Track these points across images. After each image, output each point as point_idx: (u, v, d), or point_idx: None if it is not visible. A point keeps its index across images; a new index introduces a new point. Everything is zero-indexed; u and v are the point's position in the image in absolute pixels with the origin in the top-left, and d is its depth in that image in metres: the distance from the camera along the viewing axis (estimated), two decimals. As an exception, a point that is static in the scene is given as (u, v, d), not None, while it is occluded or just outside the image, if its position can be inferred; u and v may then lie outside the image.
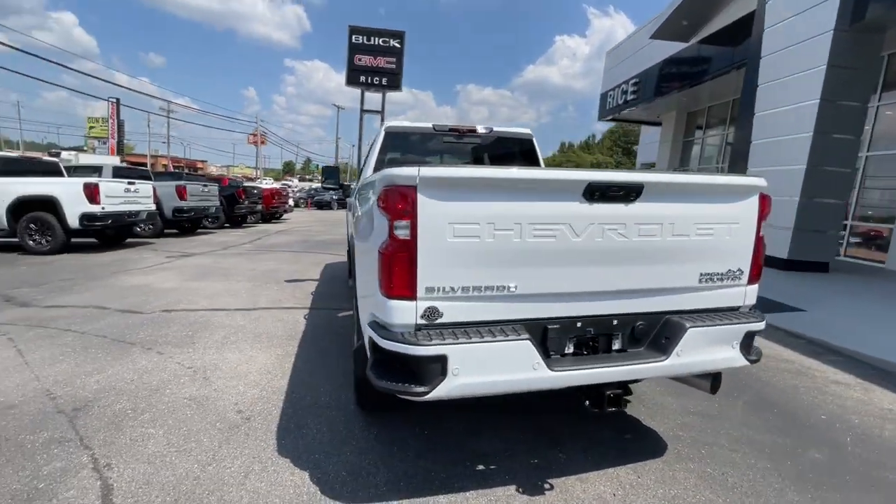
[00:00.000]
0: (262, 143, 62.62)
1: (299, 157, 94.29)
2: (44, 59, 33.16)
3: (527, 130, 4.15)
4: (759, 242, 2.08)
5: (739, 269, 2.07)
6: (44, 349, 3.42)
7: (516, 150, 4.22)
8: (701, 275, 2.00)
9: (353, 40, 23.61)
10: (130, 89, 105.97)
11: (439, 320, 1.72)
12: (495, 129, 4.07)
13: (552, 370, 1.75)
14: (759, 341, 2.16)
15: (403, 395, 1.67)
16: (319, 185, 26.94)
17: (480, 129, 3.93)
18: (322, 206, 30.51)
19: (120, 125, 39.65)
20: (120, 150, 37.26)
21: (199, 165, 60.35)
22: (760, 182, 2.01)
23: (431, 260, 1.66)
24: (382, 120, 25.43)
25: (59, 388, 2.80)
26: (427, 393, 1.65)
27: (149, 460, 2.11)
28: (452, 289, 1.71)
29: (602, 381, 1.83)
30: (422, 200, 1.62)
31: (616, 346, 1.98)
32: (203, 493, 1.91)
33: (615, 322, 1.95)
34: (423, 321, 1.70)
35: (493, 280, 1.74)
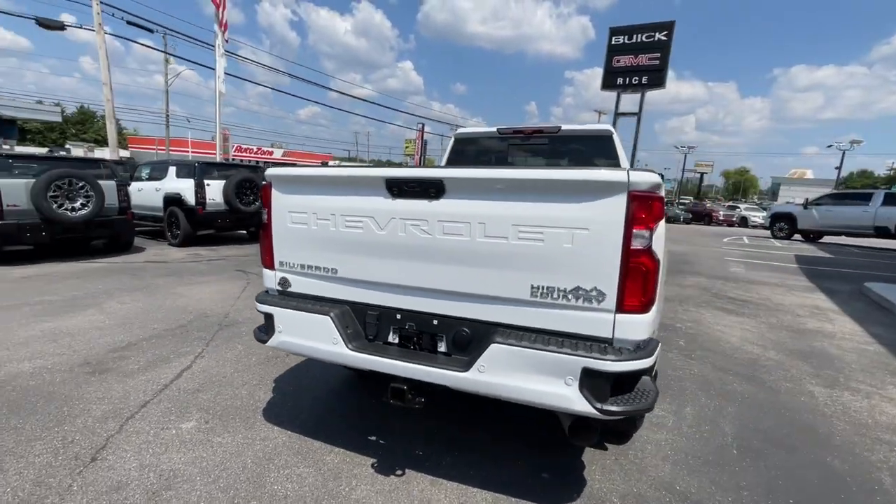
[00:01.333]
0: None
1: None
2: (381, 101, 45.85)
3: (606, 127, 3.66)
4: (634, 258, 1.54)
5: (596, 290, 1.59)
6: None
7: (592, 148, 3.78)
8: (532, 287, 1.67)
9: (613, 42, 22.77)
10: (425, 118, 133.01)
11: (289, 289, 2.18)
12: (565, 127, 3.78)
13: (349, 349, 1.92)
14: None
15: (259, 340, 2.20)
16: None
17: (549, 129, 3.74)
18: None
19: (424, 144, 50.91)
20: (423, 163, 47.77)
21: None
22: (623, 177, 1.51)
23: (280, 240, 2.14)
24: (638, 122, 23.54)
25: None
26: (265, 342, 2.14)
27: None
28: (294, 265, 2.13)
29: (389, 372, 1.84)
30: (274, 194, 2.13)
31: (441, 348, 1.90)
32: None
33: (435, 322, 1.88)
34: (279, 287, 2.20)
35: (321, 262, 2.06)
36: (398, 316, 1.96)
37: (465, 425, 2.57)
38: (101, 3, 14.01)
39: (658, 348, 1.69)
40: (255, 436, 2.37)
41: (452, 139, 4.15)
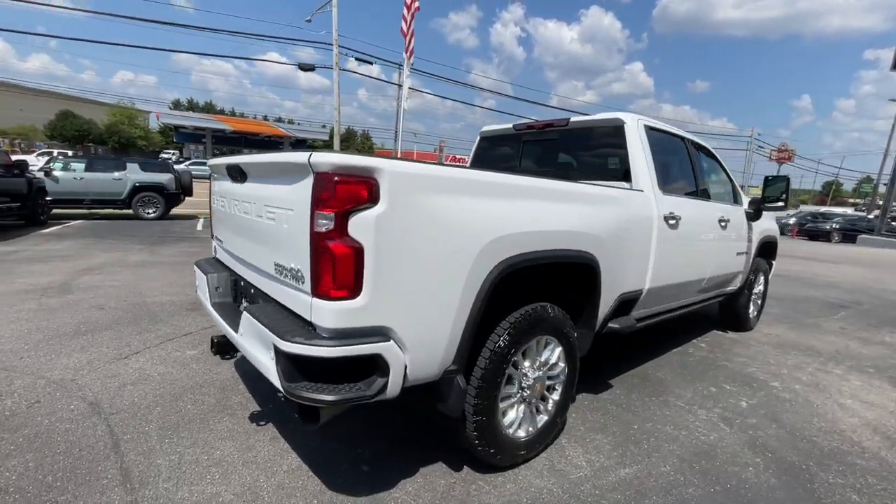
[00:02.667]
0: (788, 159, 53.98)
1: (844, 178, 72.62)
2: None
3: (616, 116, 3.01)
4: (321, 241, 1.49)
5: (300, 271, 1.59)
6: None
7: (601, 141, 3.17)
8: (275, 264, 1.76)
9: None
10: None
11: (215, 255, 2.76)
12: (574, 119, 3.28)
13: (209, 305, 2.36)
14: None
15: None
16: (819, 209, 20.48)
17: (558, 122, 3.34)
18: (816, 235, 23.40)
19: None
20: None
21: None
22: (304, 158, 1.48)
23: (213, 216, 2.74)
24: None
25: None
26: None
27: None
28: (215, 236, 2.70)
29: (217, 328, 2.18)
30: (211, 182, 2.74)
31: (255, 314, 2.14)
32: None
33: (252, 291, 2.13)
34: (214, 253, 2.81)
35: (219, 234, 2.56)
36: (242, 283, 2.30)
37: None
38: (340, 46, 18.24)
39: (391, 343, 1.55)
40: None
41: (478, 137, 4.10)
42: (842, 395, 3.30)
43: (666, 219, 2.92)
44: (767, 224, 4.65)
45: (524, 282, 2.18)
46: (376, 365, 1.57)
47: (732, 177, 4.21)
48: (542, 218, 2.03)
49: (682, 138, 3.52)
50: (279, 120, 58.45)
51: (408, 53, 14.16)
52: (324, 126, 41.53)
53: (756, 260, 4.57)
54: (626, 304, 2.81)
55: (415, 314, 1.64)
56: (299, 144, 42.14)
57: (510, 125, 3.76)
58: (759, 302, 4.97)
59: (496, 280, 1.83)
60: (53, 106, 45.84)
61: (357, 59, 19.34)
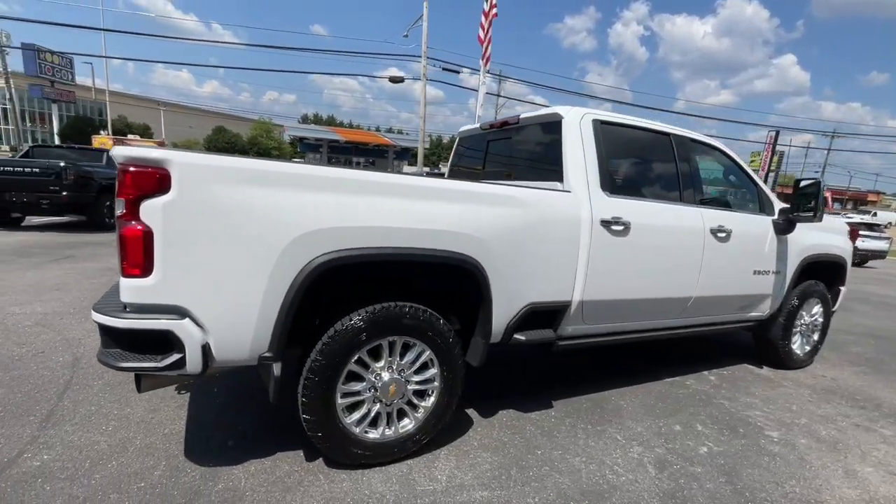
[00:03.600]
0: None
1: None
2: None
3: (555, 111, 2.74)
4: (118, 226, 1.66)
5: (124, 251, 1.78)
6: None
7: (544, 137, 2.90)
8: None
9: None
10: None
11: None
12: (524, 115, 3.05)
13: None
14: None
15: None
16: None
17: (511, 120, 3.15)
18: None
19: (779, 155, 40.35)
20: (770, 180, 37.30)
21: (871, 198, 49.28)
22: (113, 153, 1.67)
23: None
24: None
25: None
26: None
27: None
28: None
29: None
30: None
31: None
32: None
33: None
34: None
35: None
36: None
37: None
38: (428, 58, 19.06)
39: (186, 321, 1.67)
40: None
41: (457, 137, 4.02)
42: (862, 461, 2.56)
43: (606, 223, 2.59)
44: (818, 239, 3.78)
45: (380, 279, 2.14)
46: (170, 340, 1.70)
47: (758, 181, 3.51)
48: (387, 215, 1.97)
49: (665, 134, 3.06)
50: (390, 130, 62.89)
51: (484, 60, 14.26)
52: (430, 136, 43.59)
53: (806, 283, 3.74)
54: (543, 315, 2.55)
55: (213, 297, 1.74)
56: (403, 153, 44.77)
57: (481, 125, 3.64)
58: (814, 336, 4.03)
59: (319, 274, 1.84)
60: (213, 122, 55.27)
61: (445, 68, 19.99)
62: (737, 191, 3.63)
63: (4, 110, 36.60)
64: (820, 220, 3.24)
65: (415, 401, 2.24)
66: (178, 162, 1.64)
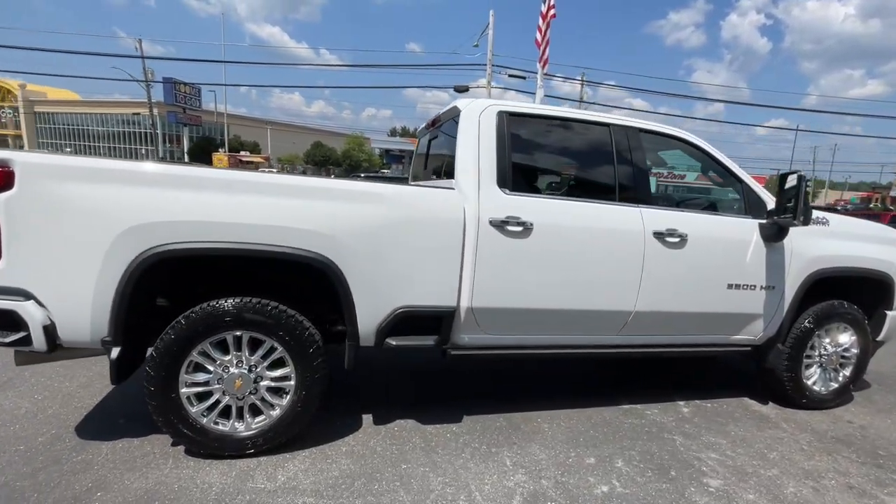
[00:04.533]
0: None
1: None
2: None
3: (456, 104, 2.56)
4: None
5: None
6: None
7: (447, 132, 2.72)
8: None
9: None
10: None
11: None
12: (442, 111, 2.89)
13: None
14: None
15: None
16: None
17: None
18: None
19: None
20: None
21: None
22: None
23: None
24: None
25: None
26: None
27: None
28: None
29: None
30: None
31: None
32: None
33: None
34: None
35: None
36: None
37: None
38: (493, 65, 19.01)
39: (30, 303, 1.88)
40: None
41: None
42: (820, 531, 1.99)
43: (500, 224, 2.36)
44: (839, 248, 3.03)
45: (245, 274, 2.19)
46: (15, 319, 1.92)
47: (744, 177, 2.93)
48: (224, 211, 2.01)
49: (601, 125, 2.71)
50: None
51: (541, 63, 13.84)
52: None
53: (826, 304, 3.03)
54: (424, 320, 2.39)
55: (54, 282, 1.92)
56: None
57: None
58: (845, 371, 3.23)
59: (152, 265, 1.94)
60: (313, 138, 60.82)
61: (511, 75, 19.75)
62: (720, 190, 3.08)
63: (147, 134, 43.88)
64: (804, 222, 2.60)
65: (268, 398, 2.23)
66: (20, 161, 1.86)
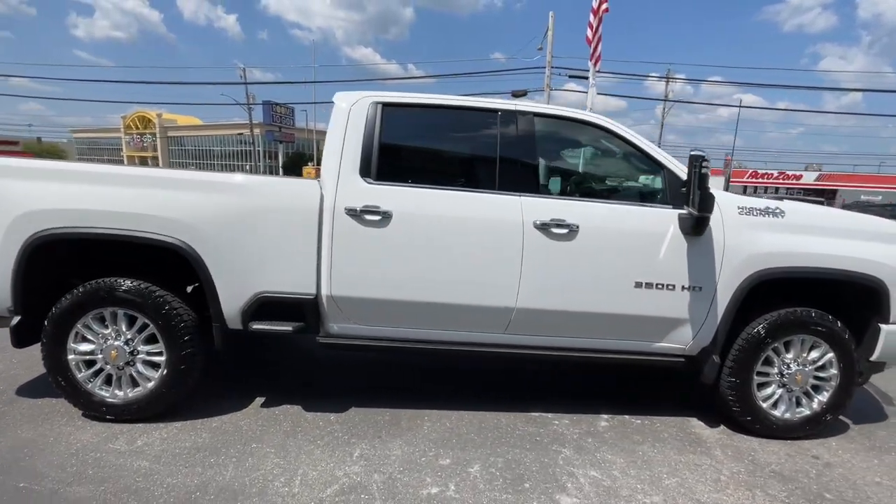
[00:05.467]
0: None
1: None
2: None
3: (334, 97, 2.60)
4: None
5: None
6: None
7: None
8: None
9: None
10: None
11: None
12: None
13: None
14: None
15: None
16: None
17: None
18: None
19: None
20: None
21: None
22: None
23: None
24: None
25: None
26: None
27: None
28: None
29: None
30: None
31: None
32: None
33: None
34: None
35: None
36: None
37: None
38: (552, 67, 18.48)
39: None
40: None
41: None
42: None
43: (357, 213, 2.37)
44: (794, 244, 2.52)
45: (110, 256, 2.47)
46: None
47: (667, 162, 2.58)
48: (91, 200, 2.29)
49: (489, 111, 2.58)
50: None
51: (593, 60, 13.16)
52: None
53: (785, 312, 2.55)
54: (284, 306, 2.46)
55: None
56: None
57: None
58: (819, 396, 2.66)
59: (38, 246, 2.28)
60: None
61: (571, 76, 19.04)
62: (620, 174, 2.74)
63: (247, 152, 49.54)
64: (700, 209, 2.21)
65: (143, 370, 2.46)
66: (-52, 162, 2.30)
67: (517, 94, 19.54)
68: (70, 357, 2.42)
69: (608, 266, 2.49)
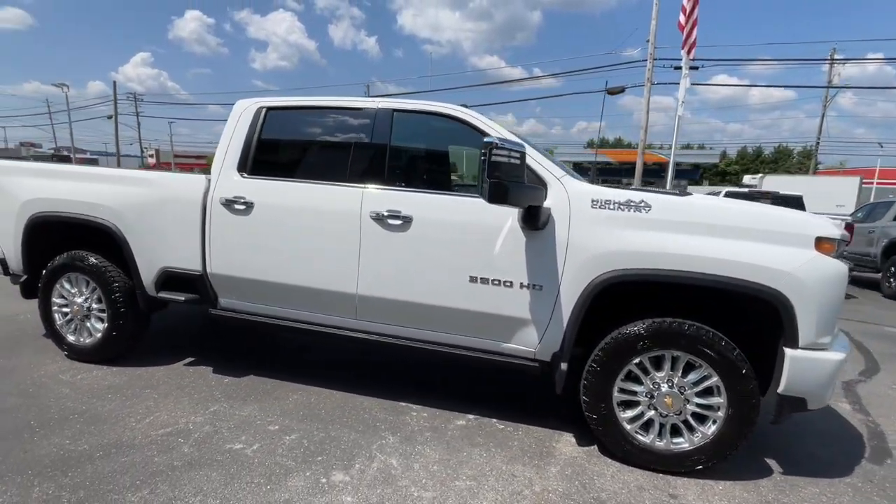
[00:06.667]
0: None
1: None
2: None
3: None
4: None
5: None
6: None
7: None
8: None
9: None
10: None
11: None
12: None
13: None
14: None
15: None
16: None
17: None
18: None
19: None
20: None
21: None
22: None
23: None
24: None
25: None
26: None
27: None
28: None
29: None
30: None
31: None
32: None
33: None
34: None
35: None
36: None
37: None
38: (655, 59, 16.80)
39: None
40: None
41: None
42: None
43: (228, 203, 2.77)
44: (653, 243, 2.17)
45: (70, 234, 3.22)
46: (-9, 254, 3.40)
47: (530, 160, 2.41)
48: (59, 191, 3.07)
49: (355, 110, 2.75)
50: (687, 147, 55.44)
51: (686, 48, 11.71)
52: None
53: (650, 322, 2.23)
54: (179, 280, 2.95)
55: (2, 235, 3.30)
56: (692, 171, 39.24)
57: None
58: (699, 428, 2.23)
59: (36, 225, 3.15)
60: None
61: (676, 67, 16.97)
62: (458, 169, 2.60)
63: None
64: (488, 199, 2.04)
65: (95, 323, 3.18)
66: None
67: (612, 92, 18.28)
68: (54, 308, 3.26)
69: (441, 258, 2.46)
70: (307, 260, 2.68)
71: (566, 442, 2.55)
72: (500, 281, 2.37)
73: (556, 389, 2.38)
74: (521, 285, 2.35)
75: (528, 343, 2.43)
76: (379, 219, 2.51)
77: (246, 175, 2.80)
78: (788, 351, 2.08)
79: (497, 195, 2.03)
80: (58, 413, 2.55)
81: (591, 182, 2.55)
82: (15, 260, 3.30)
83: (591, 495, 2.10)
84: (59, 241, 3.27)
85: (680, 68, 16.16)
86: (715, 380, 2.17)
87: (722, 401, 2.18)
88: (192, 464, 2.17)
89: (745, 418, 2.16)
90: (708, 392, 2.21)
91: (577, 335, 2.29)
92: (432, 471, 2.22)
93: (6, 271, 3.41)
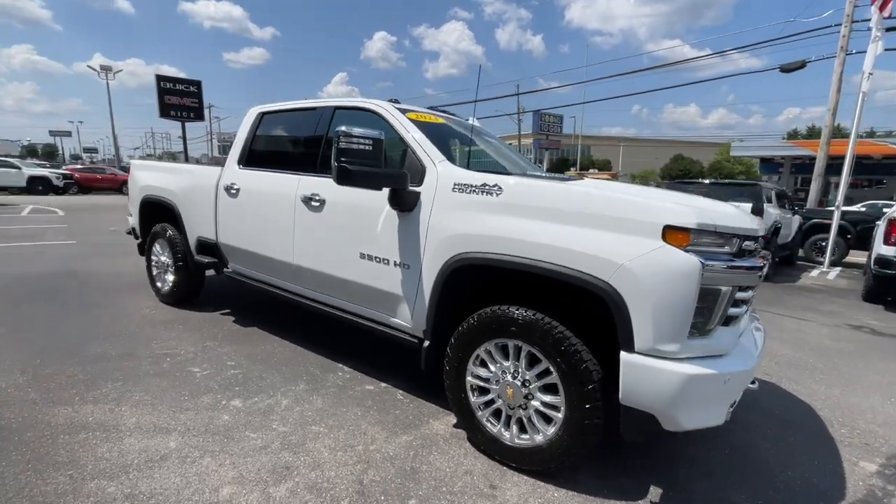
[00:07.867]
0: None
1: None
2: None
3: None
4: None
5: None
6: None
7: None
8: None
9: None
10: None
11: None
12: None
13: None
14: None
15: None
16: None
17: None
18: None
19: None
20: None
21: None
22: None
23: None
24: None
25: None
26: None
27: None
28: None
29: None
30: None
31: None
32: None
33: None
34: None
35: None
36: None
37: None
38: (853, 21, 13.06)
39: None
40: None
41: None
42: (189, 447, 2.25)
43: (227, 188, 3.58)
44: (491, 227, 2.11)
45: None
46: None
47: (412, 140, 2.59)
48: (154, 179, 4.35)
49: (314, 109, 3.26)
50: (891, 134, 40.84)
51: (878, 5, 8.90)
52: None
53: (492, 309, 2.21)
54: (206, 246, 3.89)
55: None
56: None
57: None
58: (544, 428, 2.09)
59: (144, 203, 4.54)
60: (674, 151, 57.07)
61: (889, 28, 12.77)
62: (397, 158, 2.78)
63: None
64: (336, 179, 2.23)
65: (169, 276, 4.40)
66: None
67: (787, 69, 14.93)
68: (152, 263, 4.60)
69: (342, 235, 2.78)
70: (265, 233, 3.30)
71: (445, 422, 2.60)
72: (380, 258, 2.59)
73: (422, 365, 2.48)
74: (395, 263, 2.52)
75: (404, 318, 2.58)
76: (306, 201, 2.96)
77: (241, 167, 3.56)
78: (623, 355, 1.82)
79: (342, 177, 2.28)
80: (122, 331, 3.71)
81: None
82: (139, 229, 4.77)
83: (412, 464, 2.19)
84: (157, 216, 4.61)
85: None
86: (554, 376, 2.02)
87: (560, 400, 2.01)
88: (160, 374, 2.98)
89: (583, 424, 1.95)
90: (551, 389, 2.06)
91: (443, 316, 2.37)
92: (305, 415, 2.58)
93: (136, 236, 4.93)
